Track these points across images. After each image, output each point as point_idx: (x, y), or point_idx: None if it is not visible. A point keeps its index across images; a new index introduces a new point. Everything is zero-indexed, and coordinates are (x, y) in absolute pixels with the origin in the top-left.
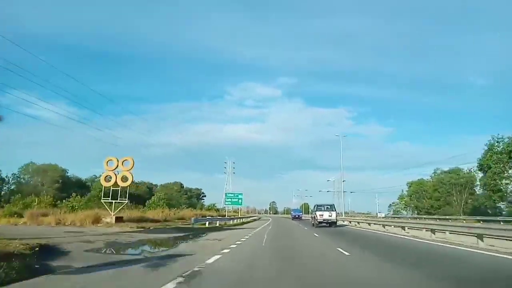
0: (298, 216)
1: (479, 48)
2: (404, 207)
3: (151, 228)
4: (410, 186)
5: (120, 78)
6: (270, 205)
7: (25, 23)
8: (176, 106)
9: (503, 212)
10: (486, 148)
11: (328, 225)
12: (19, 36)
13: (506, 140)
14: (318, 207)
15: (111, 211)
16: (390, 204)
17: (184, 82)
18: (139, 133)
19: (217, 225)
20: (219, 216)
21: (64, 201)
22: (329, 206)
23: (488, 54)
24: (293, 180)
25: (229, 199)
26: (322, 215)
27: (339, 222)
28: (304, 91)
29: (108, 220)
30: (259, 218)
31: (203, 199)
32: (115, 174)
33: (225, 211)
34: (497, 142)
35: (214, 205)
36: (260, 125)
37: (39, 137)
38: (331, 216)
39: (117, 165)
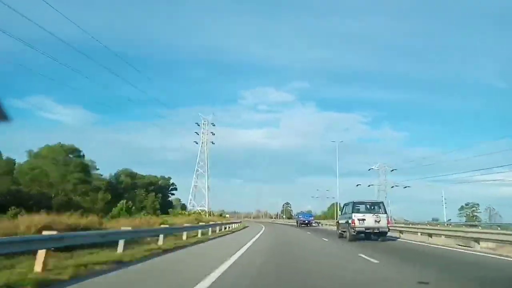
0: (308, 221)
1: (498, 49)
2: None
3: None
4: None
5: (134, 82)
6: (283, 207)
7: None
8: (190, 111)
9: None
10: None
11: (374, 236)
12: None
13: None
14: (356, 206)
15: None
16: (463, 206)
17: (197, 86)
18: (152, 138)
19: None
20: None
21: None
22: (375, 205)
23: (508, 55)
24: (307, 186)
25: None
26: (364, 219)
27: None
28: (317, 96)
29: None
30: (242, 227)
31: (173, 193)
32: None
33: (195, 212)
34: None
35: (183, 206)
36: (273, 130)
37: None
38: (379, 221)
39: None
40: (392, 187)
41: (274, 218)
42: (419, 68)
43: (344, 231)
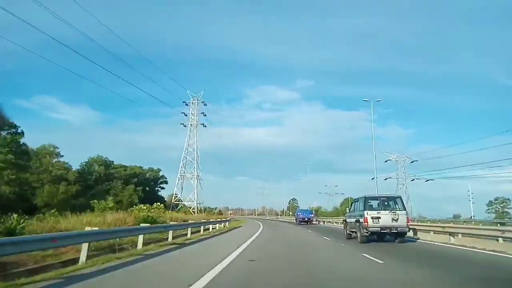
0: (308, 219)
1: (507, 47)
2: None
3: None
4: None
5: (138, 81)
6: (289, 203)
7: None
8: (196, 109)
9: None
10: None
11: (391, 237)
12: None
13: None
14: (369, 202)
15: None
16: (491, 202)
17: (202, 85)
18: (158, 136)
19: None
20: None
21: None
22: (391, 200)
23: None
24: (313, 183)
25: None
26: (379, 217)
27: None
28: (323, 94)
29: None
30: (229, 228)
31: (163, 188)
32: None
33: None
34: None
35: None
36: (279, 129)
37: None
38: (396, 219)
39: None
40: (413, 180)
41: (280, 215)
42: (426, 66)
43: (353, 231)
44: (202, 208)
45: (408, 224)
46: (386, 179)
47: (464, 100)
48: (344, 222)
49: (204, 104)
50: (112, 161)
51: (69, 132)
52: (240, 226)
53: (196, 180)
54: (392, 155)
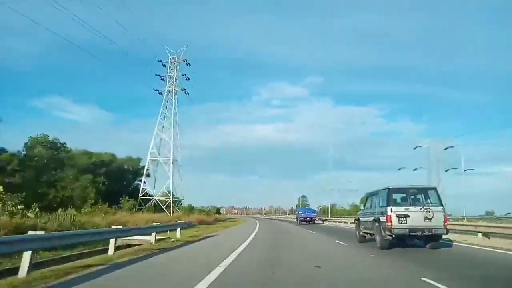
0: (310, 218)
1: None
2: None
3: None
4: None
5: (148, 79)
6: (298, 201)
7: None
8: (204, 107)
9: None
10: None
11: (420, 240)
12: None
13: None
14: (392, 195)
15: None
16: None
17: (212, 83)
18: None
19: None
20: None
21: None
22: (421, 193)
23: None
24: (323, 181)
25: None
26: (407, 215)
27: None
28: (333, 90)
29: None
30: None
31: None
32: None
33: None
34: None
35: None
36: (288, 125)
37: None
38: (431, 218)
39: None
40: (447, 170)
41: (289, 214)
42: (437, 61)
43: (368, 233)
44: (181, 205)
45: (446, 224)
46: (416, 169)
47: (478, 94)
48: (356, 221)
49: (187, 64)
50: (64, 143)
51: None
52: (224, 230)
53: (171, 166)
54: (422, 141)
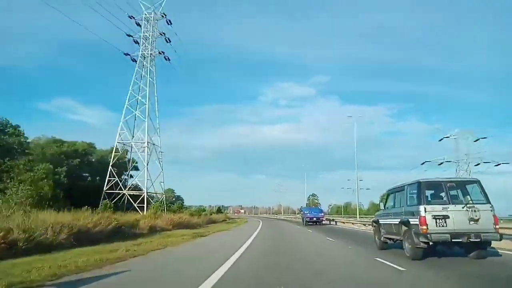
0: (317, 218)
1: None
2: None
3: None
4: None
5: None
6: (308, 199)
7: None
8: (211, 109)
9: None
10: None
11: (461, 248)
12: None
13: None
14: (425, 191)
15: None
16: None
17: (219, 84)
18: (175, 136)
19: None
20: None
21: None
22: (462, 188)
23: None
24: (332, 180)
25: None
26: (446, 216)
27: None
28: (340, 89)
29: None
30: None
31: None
32: None
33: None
34: None
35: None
36: (295, 125)
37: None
38: (476, 219)
39: None
40: (477, 164)
41: (297, 213)
42: (446, 60)
43: (391, 238)
44: (162, 201)
45: (497, 227)
46: (442, 163)
47: (488, 94)
48: (375, 224)
49: (167, 21)
50: (18, 126)
51: None
52: (195, 240)
53: (147, 151)
54: (449, 132)
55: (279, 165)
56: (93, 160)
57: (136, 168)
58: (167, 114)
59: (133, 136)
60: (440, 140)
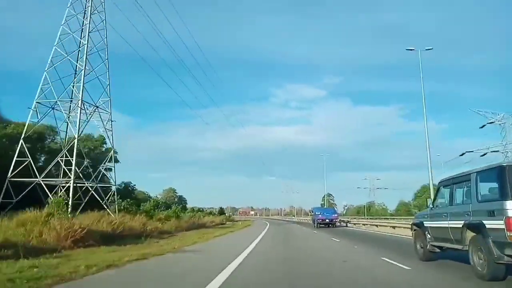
0: (330, 220)
1: None
2: None
3: None
4: None
5: (165, 83)
6: (323, 199)
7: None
8: (222, 110)
9: None
10: None
11: None
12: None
13: None
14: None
15: None
16: None
17: (229, 85)
18: (186, 138)
19: None
20: None
21: None
22: None
23: None
24: (343, 182)
25: None
26: None
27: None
28: (351, 90)
29: None
30: None
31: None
32: None
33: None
34: None
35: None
36: (306, 127)
37: None
38: None
39: None
40: None
41: (311, 214)
42: (458, 58)
43: (445, 247)
44: (113, 192)
45: None
46: (485, 154)
47: (498, 92)
48: (416, 227)
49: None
50: None
51: None
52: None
53: (80, 115)
54: (493, 117)
55: (290, 166)
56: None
57: (117, 160)
58: (174, 116)
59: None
60: (481, 127)
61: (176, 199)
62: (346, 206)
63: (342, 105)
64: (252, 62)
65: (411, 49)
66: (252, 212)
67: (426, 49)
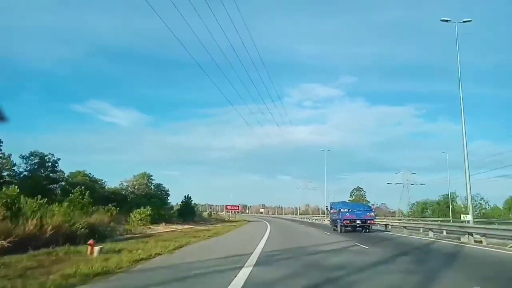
0: (363, 222)
1: None
2: None
3: None
4: None
5: (182, 83)
6: (351, 195)
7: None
8: (238, 110)
9: None
10: None
11: None
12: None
13: None
14: None
15: None
16: None
17: (244, 85)
18: (202, 137)
19: None
20: None
21: None
22: None
23: None
24: (357, 182)
25: None
26: None
27: None
28: (367, 90)
29: None
30: None
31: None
32: None
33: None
34: None
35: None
36: (321, 127)
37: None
38: None
39: None
40: None
41: (328, 213)
42: (477, 58)
43: None
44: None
45: None
46: None
47: None
48: None
49: None
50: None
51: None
52: None
53: None
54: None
55: (305, 166)
56: None
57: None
58: (191, 115)
59: None
60: None
61: (154, 189)
62: (374, 204)
63: (358, 105)
64: (266, 61)
65: (446, 20)
66: (262, 210)
67: (464, 21)
